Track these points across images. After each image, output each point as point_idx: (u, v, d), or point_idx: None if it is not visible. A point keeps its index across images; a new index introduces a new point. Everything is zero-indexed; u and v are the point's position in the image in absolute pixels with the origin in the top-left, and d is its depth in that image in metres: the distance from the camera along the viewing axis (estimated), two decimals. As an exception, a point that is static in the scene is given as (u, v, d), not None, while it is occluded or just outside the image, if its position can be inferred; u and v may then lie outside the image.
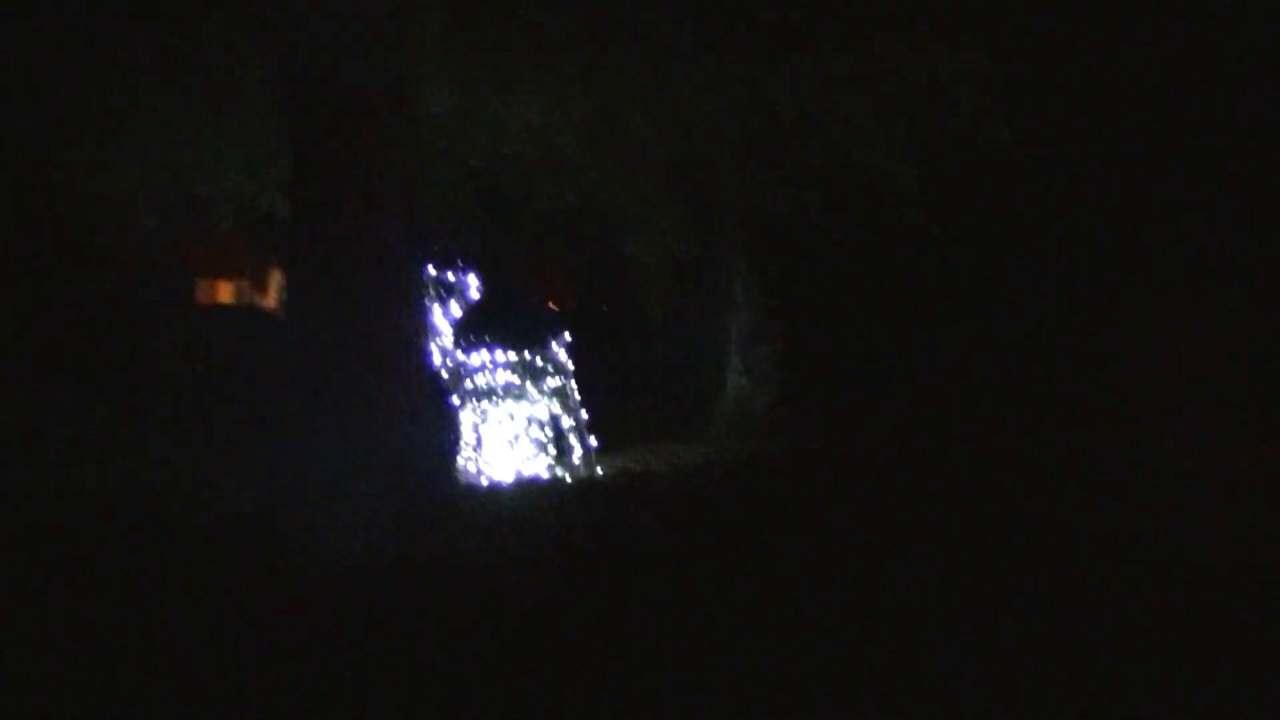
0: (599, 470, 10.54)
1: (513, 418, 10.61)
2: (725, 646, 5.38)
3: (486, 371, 10.40)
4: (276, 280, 17.36)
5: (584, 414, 10.72)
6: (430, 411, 8.51)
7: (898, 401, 11.70)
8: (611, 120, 10.22)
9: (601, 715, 4.72)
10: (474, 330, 10.40)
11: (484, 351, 10.43)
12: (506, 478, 10.30)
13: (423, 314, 8.99)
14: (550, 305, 12.43)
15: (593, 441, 10.73)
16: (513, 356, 10.51)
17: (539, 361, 10.60)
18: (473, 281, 10.29)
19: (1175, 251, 11.35)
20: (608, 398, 11.44)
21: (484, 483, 10.12)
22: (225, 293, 17.06)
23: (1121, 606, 5.95)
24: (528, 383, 10.52)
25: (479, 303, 10.40)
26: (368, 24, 7.64)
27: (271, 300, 17.41)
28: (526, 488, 9.84)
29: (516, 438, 10.62)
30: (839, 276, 11.55)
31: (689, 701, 4.77)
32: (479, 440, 10.39)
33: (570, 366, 10.68)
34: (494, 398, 10.43)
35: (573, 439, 10.71)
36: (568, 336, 10.73)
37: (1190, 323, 11.02)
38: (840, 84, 9.76)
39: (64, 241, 11.14)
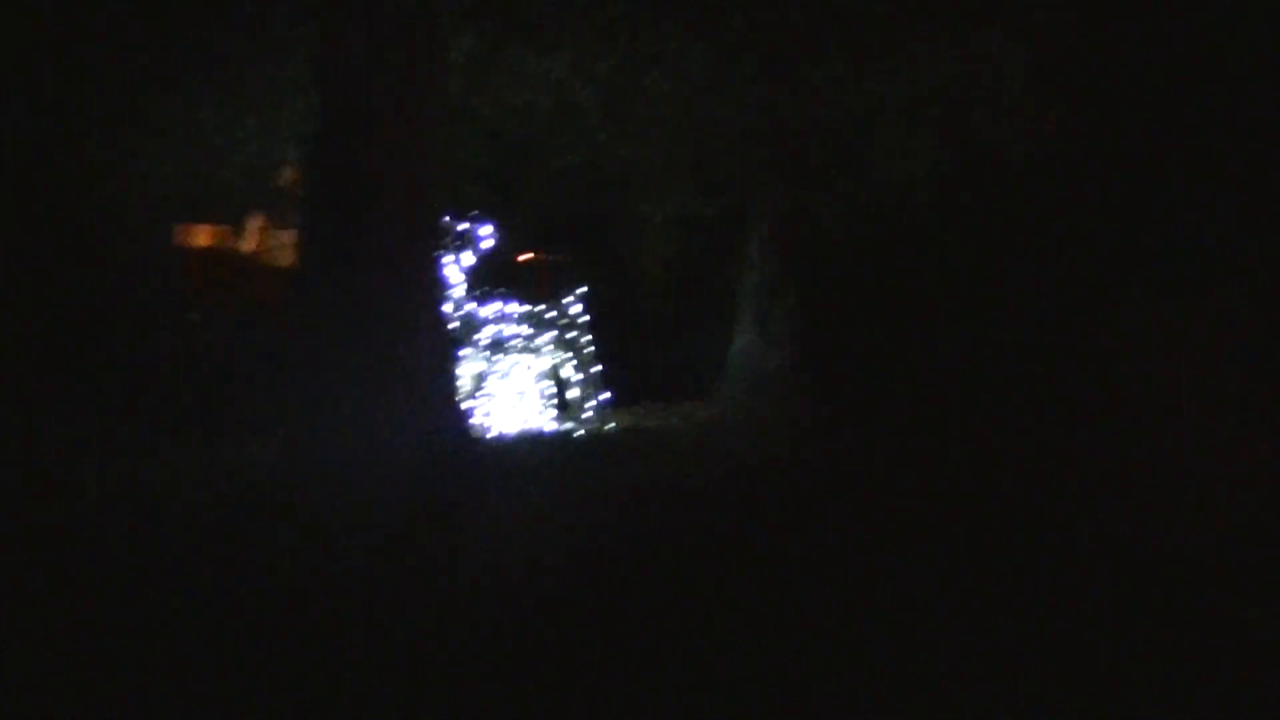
0: (611, 426, 10.35)
1: (518, 369, 10.41)
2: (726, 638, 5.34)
3: (497, 323, 10.19)
4: (257, 225, 16.92)
5: (597, 368, 10.54)
6: (449, 379, 8.38)
7: (910, 367, 11.55)
8: (630, 79, 10.13)
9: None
10: (486, 281, 10.20)
11: (496, 303, 10.22)
12: (514, 429, 10.10)
13: (439, 271, 8.78)
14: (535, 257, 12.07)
15: (604, 396, 10.55)
16: (525, 308, 10.30)
17: (552, 314, 10.40)
18: (486, 231, 10.04)
19: (1175, 251, 11.36)
20: (617, 352, 11.23)
21: (489, 435, 9.93)
22: (204, 237, 16.56)
23: (1121, 606, 5.92)
24: (540, 335, 10.32)
25: (492, 253, 10.18)
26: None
27: (252, 244, 16.96)
28: (534, 442, 9.64)
29: (524, 391, 10.43)
30: (854, 238, 11.41)
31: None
32: (487, 392, 10.17)
33: (585, 319, 10.49)
34: (505, 349, 10.21)
35: (584, 392, 10.52)
36: (584, 288, 10.53)
37: (1190, 323, 11.01)
38: (846, 85, 9.76)
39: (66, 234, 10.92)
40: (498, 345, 10.17)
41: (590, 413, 10.56)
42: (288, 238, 17.04)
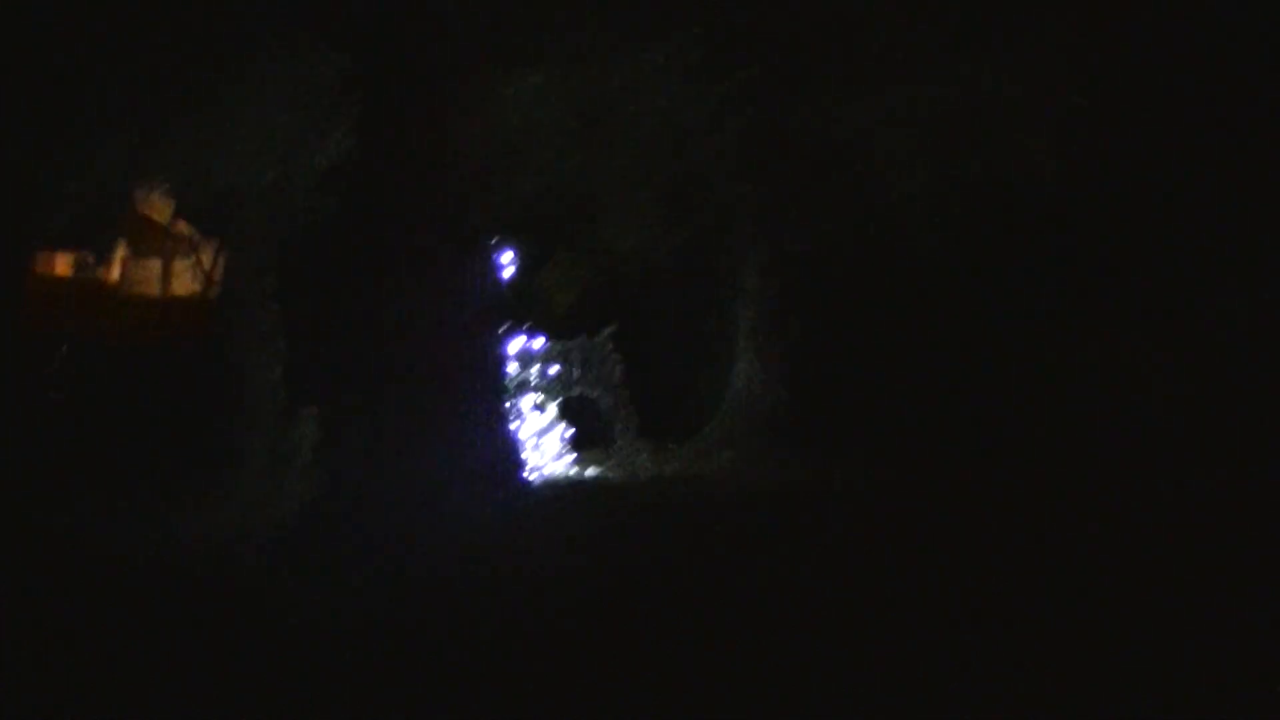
0: (646, 471, 9.81)
1: (540, 409, 9.79)
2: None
3: (524, 360, 9.56)
4: (122, 253, 15.41)
5: (631, 409, 9.98)
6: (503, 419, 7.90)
7: (916, 399, 11.38)
8: (608, 104, 9.81)
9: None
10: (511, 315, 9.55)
11: (521, 338, 9.59)
12: (542, 474, 9.47)
13: (501, 302, 8.24)
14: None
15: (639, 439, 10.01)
16: (554, 346, 9.71)
17: (582, 352, 9.83)
18: (506, 259, 9.40)
19: (1175, 252, 11.47)
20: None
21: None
22: (64, 265, 14.89)
23: (1121, 607, 6.04)
24: (572, 374, 9.75)
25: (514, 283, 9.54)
26: None
27: (115, 274, 15.40)
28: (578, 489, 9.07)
29: (544, 432, 9.78)
30: (856, 269, 11.20)
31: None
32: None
33: (618, 357, 9.92)
34: (533, 389, 9.58)
35: (620, 432, 9.96)
36: (614, 326, 9.97)
37: (1190, 324, 11.17)
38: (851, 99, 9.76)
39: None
40: (523, 384, 9.51)
41: (626, 455, 9.94)
42: (152, 267, 15.71)
